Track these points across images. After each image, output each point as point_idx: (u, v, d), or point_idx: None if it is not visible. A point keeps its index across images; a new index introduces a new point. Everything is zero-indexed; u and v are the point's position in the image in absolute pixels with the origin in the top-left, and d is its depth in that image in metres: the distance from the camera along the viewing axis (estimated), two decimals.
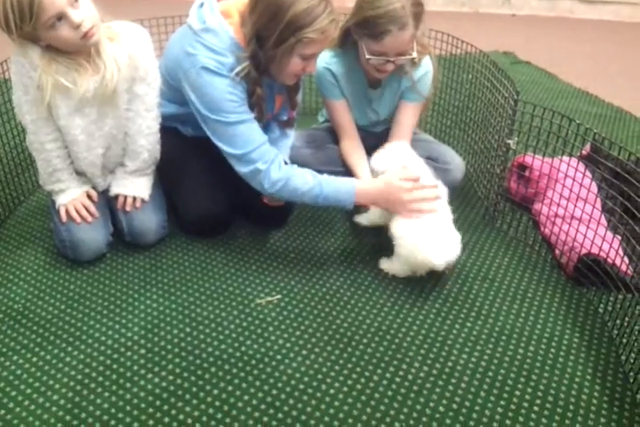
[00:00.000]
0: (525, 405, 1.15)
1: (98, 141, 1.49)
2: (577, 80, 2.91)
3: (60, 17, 1.27)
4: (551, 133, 1.50)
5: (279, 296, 1.42)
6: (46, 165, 1.48)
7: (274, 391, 1.17)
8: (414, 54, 1.57)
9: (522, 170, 1.74)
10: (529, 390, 1.19)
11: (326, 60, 1.70)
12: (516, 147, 1.58)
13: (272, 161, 1.45)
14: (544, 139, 1.52)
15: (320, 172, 1.77)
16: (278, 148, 1.60)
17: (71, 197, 1.51)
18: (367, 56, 1.57)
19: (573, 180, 1.48)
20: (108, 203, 1.59)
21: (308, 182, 1.46)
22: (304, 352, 1.26)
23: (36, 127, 1.43)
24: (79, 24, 1.28)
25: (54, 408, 1.12)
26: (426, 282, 1.48)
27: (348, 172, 1.73)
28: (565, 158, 1.56)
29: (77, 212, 1.50)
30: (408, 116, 1.74)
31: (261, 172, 1.44)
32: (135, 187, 1.55)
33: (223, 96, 1.40)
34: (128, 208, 1.54)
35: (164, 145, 1.59)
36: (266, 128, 1.63)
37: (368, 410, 1.13)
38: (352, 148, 1.75)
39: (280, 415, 1.12)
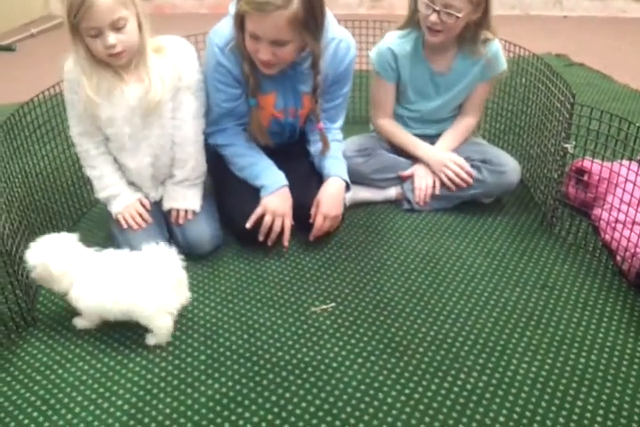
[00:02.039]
0: (588, 415, 1.12)
1: (145, 150, 1.54)
2: (633, 81, 2.83)
3: (98, 33, 1.35)
4: (609, 137, 1.46)
5: (334, 304, 1.43)
6: (94, 170, 1.55)
7: (331, 399, 1.17)
8: (460, 15, 1.58)
9: (580, 174, 1.71)
10: (591, 400, 1.16)
11: (391, 40, 1.75)
12: (574, 151, 1.55)
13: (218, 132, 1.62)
14: (602, 142, 1.49)
15: (372, 180, 1.80)
16: (322, 164, 1.66)
17: (124, 203, 1.56)
18: None
19: (634, 184, 1.44)
20: (163, 213, 1.63)
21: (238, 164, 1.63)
22: (360, 361, 1.26)
23: (81, 139, 1.53)
24: (110, 46, 1.36)
25: (118, 413, 1.15)
26: (483, 290, 1.46)
27: (394, 150, 1.85)
28: (625, 162, 1.52)
29: (132, 219, 1.55)
30: (479, 93, 1.80)
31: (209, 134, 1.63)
32: (186, 199, 1.59)
33: (209, 69, 1.53)
34: (181, 221, 1.58)
35: (212, 159, 1.64)
36: (292, 129, 1.70)
37: (426, 419, 1.12)
38: (394, 125, 1.84)
39: (338, 423, 1.12)
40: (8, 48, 3.48)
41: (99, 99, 1.44)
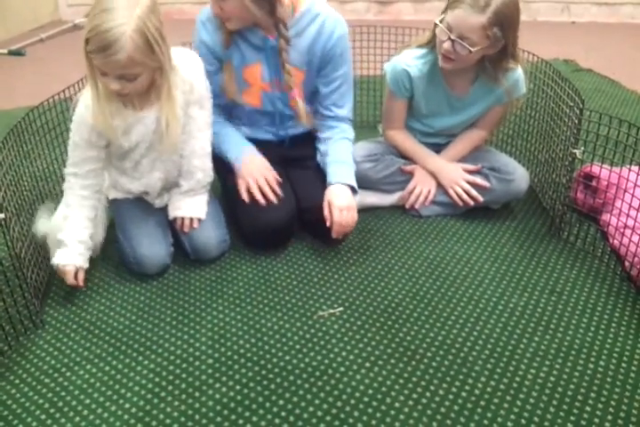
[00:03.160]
0: (596, 421, 1.12)
1: (158, 167, 1.55)
2: None
3: (105, 74, 1.32)
4: (618, 142, 1.46)
5: (341, 309, 1.43)
6: (67, 207, 1.48)
7: (338, 403, 1.17)
8: (474, 49, 1.56)
9: (588, 180, 1.70)
10: (600, 405, 1.15)
11: (408, 61, 1.73)
12: (583, 156, 1.55)
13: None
14: (611, 147, 1.48)
15: (380, 185, 1.82)
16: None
17: (65, 259, 1.43)
18: (436, 20, 1.60)
19: None
20: (168, 219, 1.63)
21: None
22: (367, 365, 1.26)
23: (71, 178, 1.48)
24: (114, 90, 1.34)
25: (126, 416, 1.16)
26: (491, 295, 1.46)
27: (403, 156, 1.86)
28: (634, 167, 1.52)
29: (67, 278, 1.43)
30: (494, 113, 1.79)
31: None
32: (190, 208, 1.59)
33: (194, 46, 1.63)
34: (186, 229, 1.58)
35: (221, 164, 1.66)
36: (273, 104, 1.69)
37: (434, 424, 1.12)
38: (404, 138, 1.84)
39: None
40: (17, 53, 3.50)
41: (117, 129, 1.43)
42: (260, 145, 1.70)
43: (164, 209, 1.63)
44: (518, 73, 1.70)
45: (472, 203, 1.74)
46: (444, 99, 1.76)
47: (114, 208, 1.62)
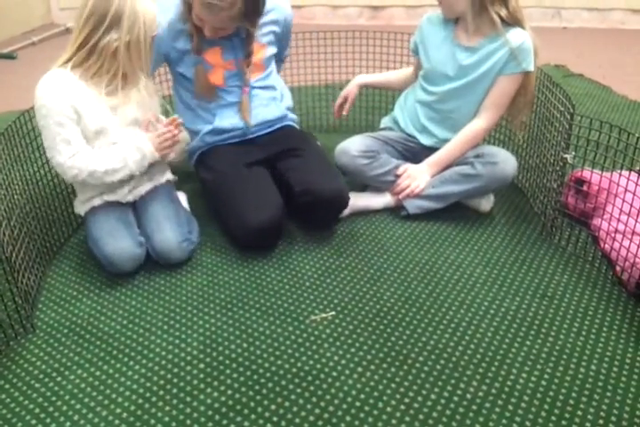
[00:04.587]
0: (588, 425, 1.12)
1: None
2: (632, 92, 2.84)
3: None
4: (608, 147, 1.47)
5: (333, 313, 1.43)
6: (98, 163, 1.52)
7: (330, 408, 1.17)
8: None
9: (579, 184, 1.71)
10: (591, 410, 1.15)
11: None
12: (574, 161, 1.56)
13: None
14: (601, 152, 1.49)
15: (373, 181, 1.85)
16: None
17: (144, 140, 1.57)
18: None
19: (633, 194, 1.45)
20: (135, 217, 1.63)
21: None
22: (359, 369, 1.26)
23: (75, 158, 1.50)
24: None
25: (117, 421, 1.15)
26: (482, 299, 1.46)
27: (400, 155, 1.90)
28: (625, 172, 1.53)
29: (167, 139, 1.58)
30: (498, 87, 1.75)
31: None
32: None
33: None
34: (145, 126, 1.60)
35: (203, 169, 1.73)
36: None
37: None
38: (400, 71, 2.06)
39: None
40: (9, 56, 3.49)
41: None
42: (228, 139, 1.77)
43: (129, 205, 1.62)
44: (525, 38, 1.70)
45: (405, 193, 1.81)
46: (450, 49, 1.75)
47: (84, 222, 1.63)
